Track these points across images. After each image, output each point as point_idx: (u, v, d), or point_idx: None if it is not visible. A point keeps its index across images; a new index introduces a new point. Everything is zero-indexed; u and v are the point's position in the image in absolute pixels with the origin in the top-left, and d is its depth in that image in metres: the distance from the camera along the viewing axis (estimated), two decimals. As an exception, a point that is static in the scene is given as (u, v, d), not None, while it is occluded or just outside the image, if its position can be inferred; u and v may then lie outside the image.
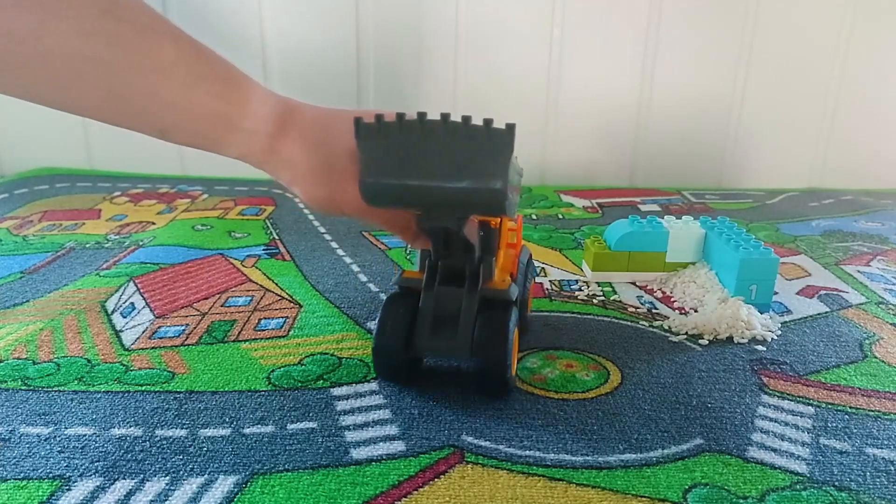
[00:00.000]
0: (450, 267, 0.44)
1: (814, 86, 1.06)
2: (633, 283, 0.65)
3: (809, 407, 0.45)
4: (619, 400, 0.45)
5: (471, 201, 0.34)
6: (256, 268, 0.67)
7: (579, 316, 0.58)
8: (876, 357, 0.52)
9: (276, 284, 0.63)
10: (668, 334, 0.55)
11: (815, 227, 0.86)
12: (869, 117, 1.07)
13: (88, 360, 0.49)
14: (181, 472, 0.37)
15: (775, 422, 0.43)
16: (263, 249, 0.73)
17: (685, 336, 0.54)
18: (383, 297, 0.53)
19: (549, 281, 0.66)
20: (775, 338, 0.54)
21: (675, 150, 1.08)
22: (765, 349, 0.53)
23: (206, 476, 0.37)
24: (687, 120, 1.07)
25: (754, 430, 0.42)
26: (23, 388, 0.45)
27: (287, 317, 0.56)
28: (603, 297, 0.62)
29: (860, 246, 0.78)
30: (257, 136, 0.41)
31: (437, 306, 0.44)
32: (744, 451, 0.40)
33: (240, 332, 0.54)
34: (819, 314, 0.59)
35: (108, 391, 0.45)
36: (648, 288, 0.64)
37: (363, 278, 0.65)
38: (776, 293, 0.63)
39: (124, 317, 0.56)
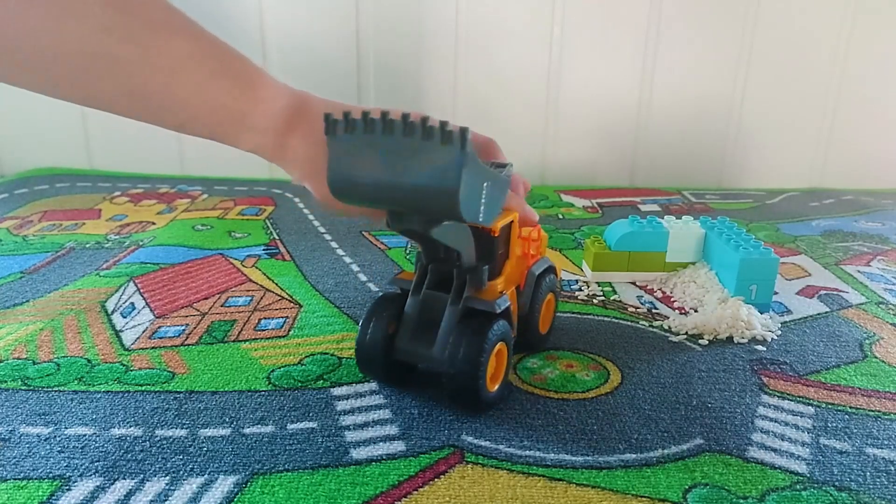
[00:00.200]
0: (441, 272, 0.43)
1: (814, 86, 1.06)
2: (633, 283, 0.65)
3: (809, 407, 0.45)
4: (619, 400, 0.45)
5: (426, 202, 0.34)
6: (256, 268, 0.67)
7: (579, 316, 0.58)
8: (876, 357, 0.52)
9: (276, 284, 0.63)
10: (668, 334, 0.55)
11: (815, 227, 0.86)
12: (869, 117, 1.07)
13: (88, 360, 0.49)
14: (181, 472, 0.37)
15: (775, 422, 0.43)
16: (263, 249, 0.73)
17: (685, 336, 0.54)
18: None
19: (549, 281, 0.66)
20: (775, 338, 0.54)
21: (675, 150, 1.08)
22: (765, 349, 0.53)
23: (206, 476, 0.37)
24: (687, 120, 1.07)
25: (754, 430, 0.42)
26: (23, 388, 0.45)
27: (287, 317, 0.56)
28: (603, 297, 0.62)
29: (860, 246, 0.78)
30: (268, 133, 0.42)
31: (422, 311, 0.44)
32: (744, 451, 0.40)
33: (240, 332, 0.54)
34: (819, 314, 0.59)
35: (108, 391, 0.45)
36: (648, 288, 0.64)
37: (363, 278, 0.65)
38: (776, 293, 0.63)
39: (124, 317, 0.56)
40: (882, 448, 0.41)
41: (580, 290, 0.63)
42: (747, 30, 1.02)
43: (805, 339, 0.54)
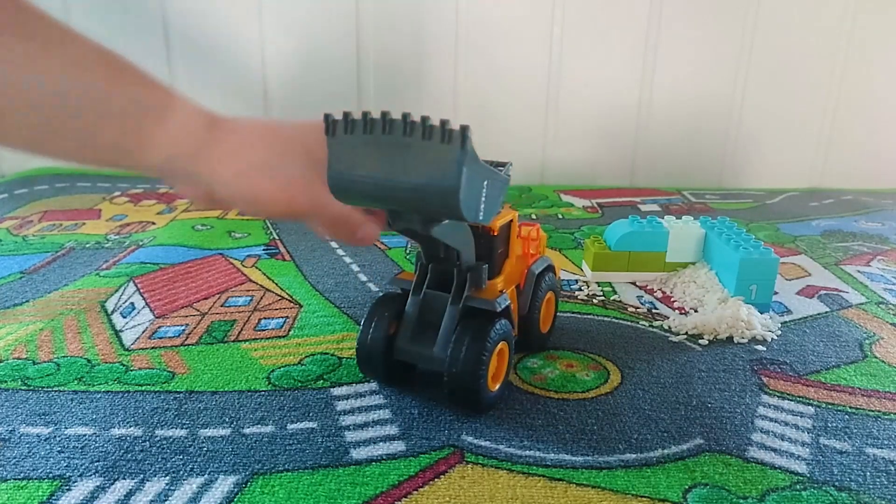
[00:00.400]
0: (441, 272, 0.43)
1: (814, 86, 1.06)
2: (633, 283, 0.65)
3: (809, 407, 0.45)
4: (619, 400, 0.45)
5: (426, 201, 0.34)
6: (256, 268, 0.67)
7: (579, 316, 0.58)
8: (876, 357, 0.52)
9: (276, 284, 0.63)
10: (668, 334, 0.55)
11: (815, 227, 0.86)
12: (869, 117, 1.07)
13: (88, 360, 0.49)
14: (181, 472, 0.37)
15: (775, 422, 0.43)
16: (263, 249, 0.73)
17: (685, 336, 0.54)
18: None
19: (549, 281, 0.66)
20: (775, 338, 0.54)
21: (675, 150, 1.08)
22: (765, 349, 0.53)
23: (206, 476, 0.37)
24: (687, 120, 1.07)
25: (754, 430, 0.42)
26: (23, 388, 0.45)
27: (287, 317, 0.56)
28: (603, 297, 0.62)
29: (860, 246, 0.78)
30: (189, 126, 0.37)
31: (422, 311, 0.44)
32: (744, 451, 0.40)
33: (240, 332, 0.54)
34: (819, 314, 0.59)
35: (108, 391, 0.45)
36: (648, 288, 0.64)
37: (363, 278, 0.65)
38: (776, 293, 0.63)
39: (124, 317, 0.56)
40: (882, 448, 0.41)
41: (580, 289, 0.63)
42: (747, 30, 1.02)
43: (805, 339, 0.54)
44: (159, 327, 0.54)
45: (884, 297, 0.63)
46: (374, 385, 0.46)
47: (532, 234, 0.50)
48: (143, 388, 0.45)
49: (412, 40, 1.02)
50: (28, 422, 0.42)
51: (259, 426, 0.41)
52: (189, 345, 0.51)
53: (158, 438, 0.40)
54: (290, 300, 0.60)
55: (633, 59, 1.04)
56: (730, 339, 0.54)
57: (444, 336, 0.42)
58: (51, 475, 0.37)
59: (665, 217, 0.68)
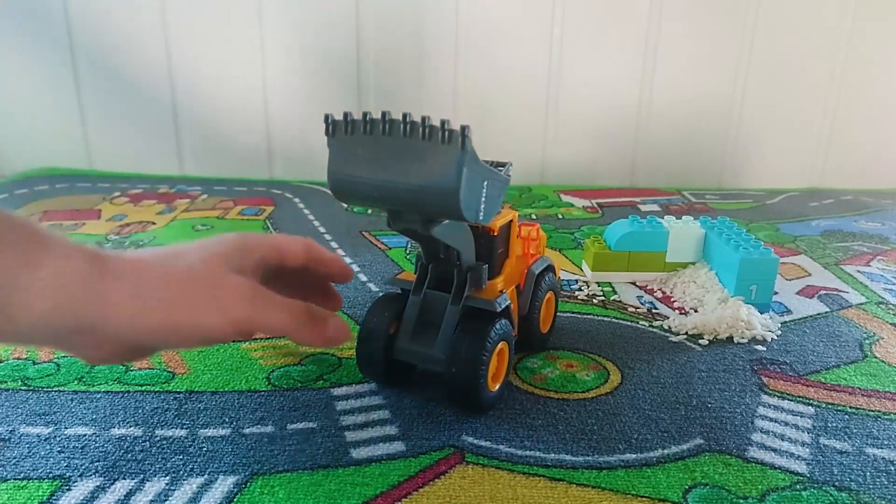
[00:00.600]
0: (441, 272, 0.43)
1: (814, 86, 1.06)
2: (633, 283, 0.65)
3: (809, 407, 0.45)
4: (619, 400, 0.45)
5: (427, 201, 0.34)
6: (256, 268, 0.67)
7: (579, 316, 0.58)
8: (876, 357, 0.52)
9: (276, 284, 0.63)
10: (668, 334, 0.55)
11: (815, 227, 0.86)
12: (869, 117, 1.07)
13: (88, 360, 0.49)
14: (181, 472, 0.37)
15: (775, 422, 0.43)
16: (263, 249, 0.73)
17: (685, 336, 0.54)
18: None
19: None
20: (775, 338, 0.54)
21: (675, 150, 1.08)
22: (765, 349, 0.53)
23: (206, 476, 0.37)
24: (687, 120, 1.07)
25: (754, 430, 0.42)
26: (23, 388, 0.45)
27: (287, 317, 0.56)
28: (603, 297, 0.62)
29: (860, 246, 0.78)
30: (68, 268, 0.30)
31: (422, 311, 0.44)
32: (744, 451, 0.40)
33: (240, 332, 0.53)
34: (819, 314, 0.59)
35: (108, 391, 0.45)
36: (648, 288, 0.64)
37: (363, 278, 0.65)
38: (776, 293, 0.63)
39: (124, 317, 0.56)
40: (882, 448, 0.41)
41: (580, 290, 0.63)
42: (747, 30, 1.02)
43: (805, 339, 0.54)
44: (159, 327, 0.54)
45: (884, 297, 0.63)
46: (374, 385, 0.46)
47: (532, 234, 0.50)
48: (144, 388, 0.46)
49: (412, 40, 1.02)
50: (28, 422, 0.42)
51: (259, 426, 0.41)
52: (189, 345, 0.51)
53: (158, 438, 0.40)
54: (290, 300, 0.60)
55: (633, 59, 1.04)
56: (730, 339, 0.54)
57: (444, 336, 0.42)
58: (51, 475, 0.37)
59: (665, 217, 0.69)
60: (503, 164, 0.41)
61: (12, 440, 0.40)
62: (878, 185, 1.09)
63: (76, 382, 0.46)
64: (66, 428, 0.41)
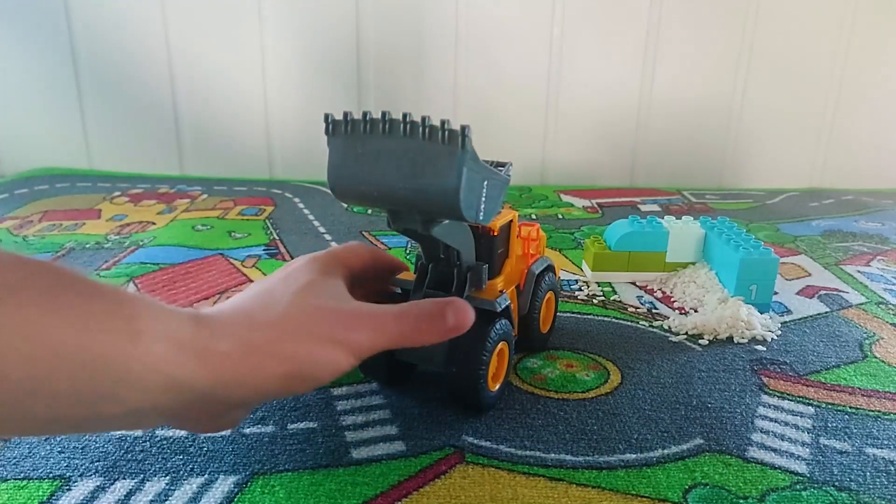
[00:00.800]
0: (440, 272, 0.43)
1: (814, 86, 1.06)
2: (633, 283, 0.65)
3: (809, 407, 0.45)
4: (619, 400, 0.45)
5: (427, 201, 0.34)
6: (257, 268, 0.67)
7: (579, 316, 0.58)
8: (876, 357, 0.52)
9: (276, 284, 0.63)
10: (668, 334, 0.55)
11: (815, 227, 0.86)
12: (869, 117, 1.07)
13: (88, 360, 0.49)
14: (181, 472, 0.37)
15: (775, 422, 0.43)
16: (263, 249, 0.73)
17: (685, 336, 0.54)
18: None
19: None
20: (775, 338, 0.54)
21: (675, 150, 1.08)
22: (765, 349, 0.53)
23: (206, 476, 0.37)
24: (687, 120, 1.07)
25: (754, 430, 0.42)
26: (23, 388, 0.45)
27: (287, 317, 0.56)
28: (603, 297, 0.62)
29: (860, 246, 0.78)
30: (177, 327, 0.28)
31: None
32: (744, 451, 0.40)
33: (240, 332, 0.53)
34: (819, 314, 0.59)
35: (108, 391, 0.45)
36: (648, 288, 0.64)
37: (363, 278, 0.65)
38: (776, 293, 0.63)
39: (124, 317, 0.56)
40: (882, 448, 0.41)
41: (580, 290, 0.63)
42: (747, 30, 1.02)
43: (805, 339, 0.54)
44: (159, 327, 0.54)
45: (884, 297, 0.63)
46: (374, 385, 0.46)
47: (532, 234, 0.50)
48: (144, 388, 0.45)
49: (412, 40, 1.02)
50: None
51: (259, 426, 0.41)
52: (189, 345, 0.51)
53: (158, 438, 0.40)
54: (290, 300, 0.60)
55: (633, 59, 1.04)
56: (730, 339, 0.54)
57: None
58: (51, 475, 0.37)
59: (665, 217, 0.69)
60: (503, 164, 0.41)
61: (12, 440, 0.40)
62: (878, 185, 1.09)
63: (76, 382, 0.46)
64: (66, 428, 0.41)
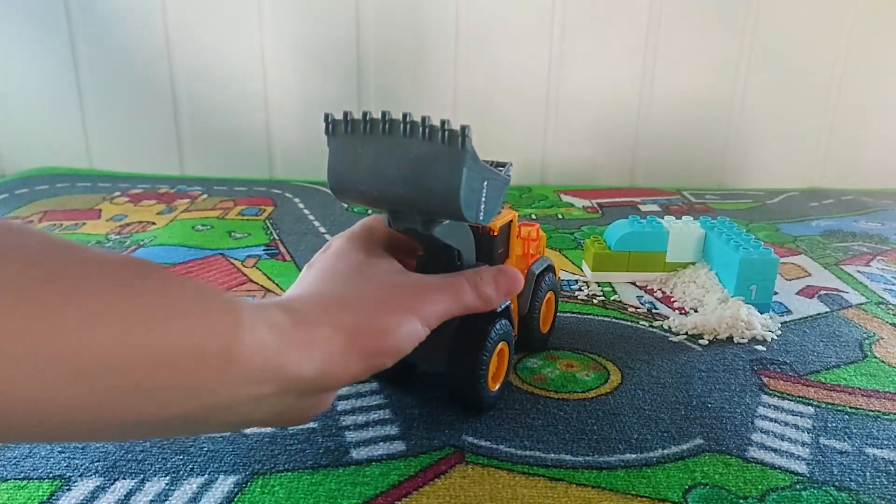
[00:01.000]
0: (441, 272, 0.43)
1: (814, 86, 1.06)
2: (633, 283, 0.65)
3: (809, 407, 0.45)
4: (619, 400, 0.45)
5: (427, 201, 0.34)
6: (257, 268, 0.67)
7: (579, 316, 0.58)
8: (876, 357, 0.52)
9: (277, 285, 0.63)
10: (668, 334, 0.55)
11: (815, 227, 0.86)
12: (869, 117, 1.07)
13: (88, 360, 0.49)
14: (181, 472, 0.37)
15: (775, 422, 0.43)
16: (264, 249, 0.73)
17: (685, 336, 0.54)
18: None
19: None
20: (775, 338, 0.54)
21: (675, 150, 1.08)
22: (765, 349, 0.53)
23: (206, 476, 0.37)
24: (687, 120, 1.07)
25: (754, 430, 0.42)
26: (23, 388, 0.45)
27: (287, 317, 0.56)
28: (603, 297, 0.62)
29: (860, 246, 0.78)
30: (271, 316, 0.28)
31: None
32: (744, 451, 0.40)
33: (240, 332, 0.53)
34: (819, 314, 0.59)
35: (109, 391, 0.45)
36: (648, 288, 0.64)
37: (363, 278, 0.65)
38: (776, 293, 0.63)
39: (124, 317, 0.56)
40: (882, 448, 0.41)
41: (580, 290, 0.63)
42: (747, 30, 1.02)
43: (805, 339, 0.54)
44: (159, 327, 0.54)
45: (884, 297, 0.63)
46: (374, 385, 0.46)
47: (532, 234, 0.50)
48: (144, 388, 0.45)
49: (412, 40, 1.02)
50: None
51: (259, 426, 0.41)
52: (189, 345, 0.51)
53: (158, 438, 0.40)
54: (290, 300, 0.60)
55: (633, 59, 1.04)
56: (730, 339, 0.54)
57: (444, 336, 0.42)
58: (51, 475, 0.37)
59: (665, 217, 0.69)
60: (503, 164, 0.41)
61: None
62: (878, 185, 1.09)
63: (76, 382, 0.46)
64: (66, 428, 0.41)
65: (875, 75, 1.05)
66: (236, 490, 0.36)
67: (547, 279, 0.50)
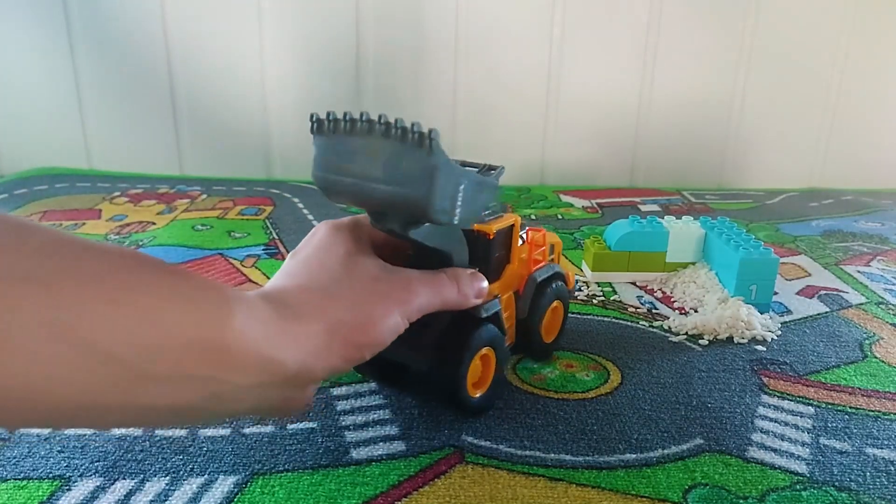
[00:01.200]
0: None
1: (814, 85, 1.06)
2: (633, 283, 0.65)
3: (809, 407, 0.45)
4: (619, 400, 0.45)
5: (398, 203, 0.34)
6: (256, 268, 0.67)
7: (579, 316, 0.58)
8: (876, 357, 0.52)
9: (276, 284, 0.63)
10: (668, 334, 0.55)
11: (815, 227, 0.86)
12: (869, 117, 1.07)
13: (88, 360, 0.49)
14: (181, 472, 0.37)
15: (775, 422, 0.43)
16: (263, 249, 0.73)
17: (685, 336, 0.54)
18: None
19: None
20: (775, 338, 0.54)
21: (675, 150, 1.08)
22: (765, 349, 0.53)
23: (206, 476, 0.37)
24: (687, 120, 1.07)
25: (754, 430, 0.42)
26: (22, 388, 0.45)
27: (287, 317, 0.56)
28: (603, 297, 0.62)
29: (860, 246, 0.78)
30: (260, 310, 0.29)
31: None
32: (744, 451, 0.40)
33: (240, 332, 0.53)
34: (819, 314, 0.59)
35: (108, 391, 0.45)
36: (648, 288, 0.64)
37: (363, 278, 0.65)
38: (776, 293, 0.63)
39: (124, 317, 0.56)
40: (882, 448, 0.41)
41: (580, 290, 0.63)
42: (747, 30, 1.02)
43: (805, 339, 0.54)
44: (159, 327, 0.54)
45: (884, 297, 0.63)
46: (374, 385, 0.46)
47: (538, 239, 0.48)
48: (143, 388, 0.45)
49: (412, 41, 1.02)
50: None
51: (259, 426, 0.41)
52: (189, 345, 0.51)
53: (158, 438, 0.40)
54: (289, 300, 0.60)
55: (632, 59, 1.04)
56: (730, 339, 0.54)
57: (429, 338, 0.41)
58: (51, 475, 0.37)
59: (665, 217, 0.68)
60: (494, 168, 0.40)
61: (12, 440, 0.40)
62: (878, 185, 1.09)
63: (76, 382, 0.46)
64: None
65: (875, 75, 1.05)
66: (236, 490, 0.36)
67: (553, 287, 0.48)
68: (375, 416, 0.43)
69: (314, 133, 0.36)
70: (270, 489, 0.36)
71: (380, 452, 0.39)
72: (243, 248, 0.73)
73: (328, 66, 1.03)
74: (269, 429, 0.41)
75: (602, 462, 0.39)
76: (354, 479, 0.37)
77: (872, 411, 0.45)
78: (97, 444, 0.39)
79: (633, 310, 0.59)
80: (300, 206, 0.90)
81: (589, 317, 0.58)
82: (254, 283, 0.63)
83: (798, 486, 0.37)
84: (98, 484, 0.36)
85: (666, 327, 0.56)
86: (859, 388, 0.47)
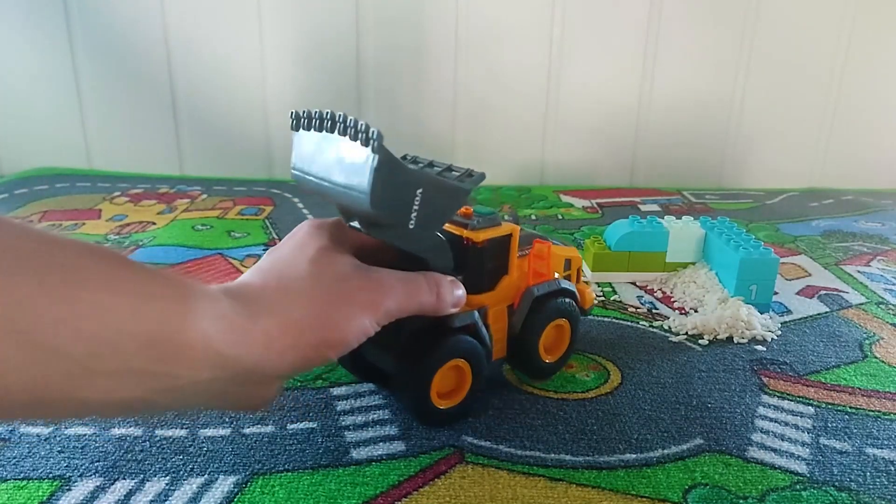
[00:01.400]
0: None
1: (814, 86, 1.06)
2: (633, 283, 0.65)
3: (809, 407, 0.45)
4: (619, 400, 0.45)
5: (350, 203, 0.34)
6: (256, 268, 0.67)
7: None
8: (876, 357, 0.52)
9: (276, 284, 0.63)
10: (668, 334, 0.55)
11: (815, 227, 0.86)
12: (869, 117, 1.07)
13: (88, 360, 0.49)
14: (181, 472, 0.37)
15: (775, 422, 0.43)
16: (263, 249, 0.73)
17: (685, 336, 0.54)
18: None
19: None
20: (775, 338, 0.54)
21: (675, 150, 1.08)
22: (765, 349, 0.53)
23: (206, 476, 0.37)
24: (687, 120, 1.07)
25: (754, 430, 0.42)
26: (23, 388, 0.45)
27: (287, 317, 0.56)
28: (603, 297, 0.62)
29: (860, 246, 0.78)
30: (222, 305, 0.29)
31: None
32: (744, 451, 0.40)
33: (240, 332, 0.53)
34: (819, 314, 0.59)
35: (108, 391, 0.45)
36: (648, 288, 0.64)
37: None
38: (776, 293, 0.63)
39: (124, 317, 0.56)
40: (882, 448, 0.41)
41: (580, 290, 0.63)
42: (747, 30, 1.02)
43: (805, 339, 0.54)
44: (159, 327, 0.54)
45: (884, 297, 0.63)
46: (373, 385, 0.46)
47: (543, 252, 0.44)
48: (143, 388, 0.45)
49: (412, 41, 1.02)
50: (28, 422, 0.42)
51: (259, 426, 0.41)
52: (189, 345, 0.51)
53: (158, 438, 0.40)
54: (290, 300, 0.60)
55: (632, 59, 1.04)
56: (730, 339, 0.54)
57: (399, 342, 0.40)
58: (51, 475, 0.37)
59: (665, 217, 0.68)
60: (472, 174, 0.38)
61: (12, 440, 0.40)
62: (878, 185, 1.09)
63: (76, 382, 0.46)
64: (66, 428, 0.41)
65: (875, 75, 1.05)
66: (236, 490, 0.36)
67: (555, 303, 0.45)
68: (375, 416, 0.43)
69: (293, 129, 0.37)
70: (270, 489, 0.36)
71: (380, 452, 0.39)
72: (243, 248, 0.73)
73: (328, 66, 1.03)
74: (269, 429, 0.41)
75: (602, 462, 0.39)
76: (354, 479, 0.37)
77: (872, 411, 0.45)
78: (97, 445, 0.39)
79: (634, 310, 0.59)
80: (300, 206, 0.90)
81: (589, 317, 0.58)
82: (254, 283, 0.63)
83: (798, 486, 0.37)
84: (98, 484, 0.36)
85: (666, 327, 0.56)
86: (859, 388, 0.47)
